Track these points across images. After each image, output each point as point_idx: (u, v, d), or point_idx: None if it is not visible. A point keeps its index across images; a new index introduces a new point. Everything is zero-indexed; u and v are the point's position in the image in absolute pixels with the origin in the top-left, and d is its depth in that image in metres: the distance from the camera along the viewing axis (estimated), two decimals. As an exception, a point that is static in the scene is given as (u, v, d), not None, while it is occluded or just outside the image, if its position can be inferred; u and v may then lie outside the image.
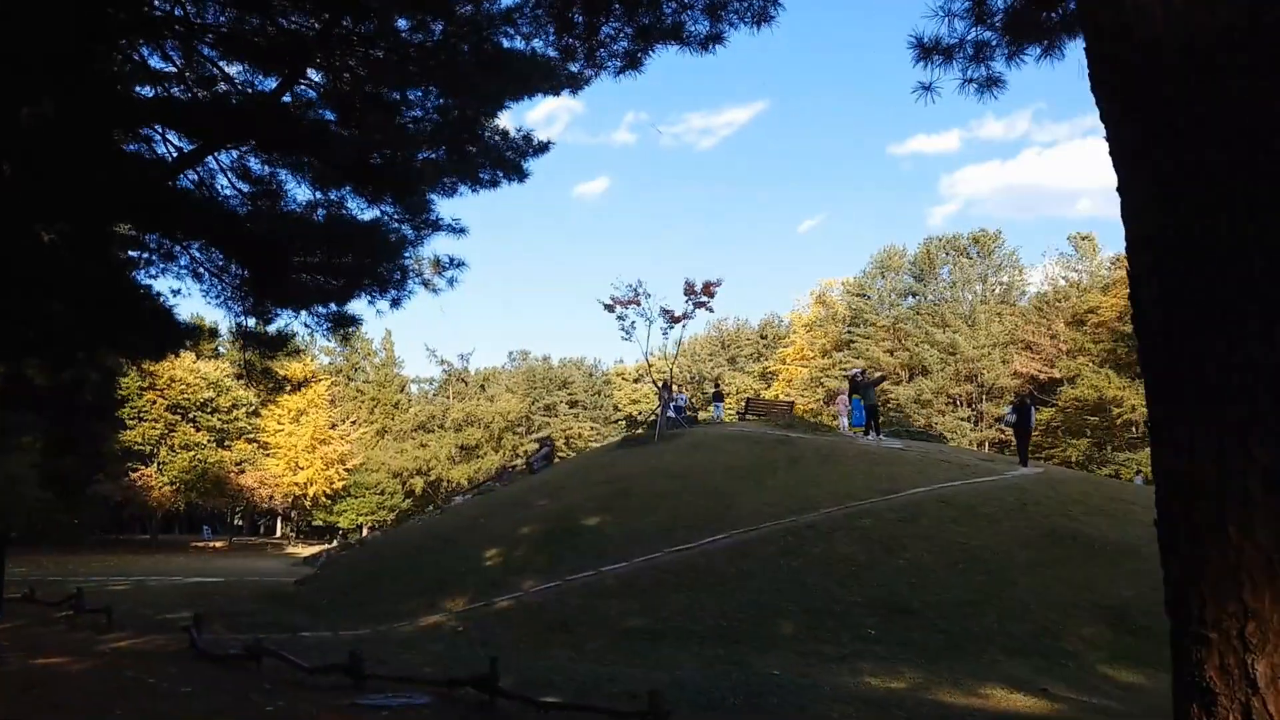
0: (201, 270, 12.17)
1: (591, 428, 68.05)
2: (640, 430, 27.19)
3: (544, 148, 11.72)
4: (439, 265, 12.54)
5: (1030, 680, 9.88)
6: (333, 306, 12.30)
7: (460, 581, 15.36)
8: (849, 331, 59.16)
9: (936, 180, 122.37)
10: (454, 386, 66.75)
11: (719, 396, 28.34)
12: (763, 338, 78.69)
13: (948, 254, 58.02)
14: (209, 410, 57.64)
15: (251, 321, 12.19)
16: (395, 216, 11.80)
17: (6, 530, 30.32)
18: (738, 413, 26.71)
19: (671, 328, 24.73)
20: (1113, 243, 63.84)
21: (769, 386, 66.43)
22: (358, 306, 12.82)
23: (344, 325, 12.93)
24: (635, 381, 75.62)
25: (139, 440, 53.84)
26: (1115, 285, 46.77)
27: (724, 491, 17.38)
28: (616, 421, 72.11)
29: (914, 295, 60.04)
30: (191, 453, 54.39)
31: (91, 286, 11.17)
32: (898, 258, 60.27)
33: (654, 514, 16.70)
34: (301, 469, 56.28)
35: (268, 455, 57.58)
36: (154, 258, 12.43)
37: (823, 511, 15.55)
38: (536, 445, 29.93)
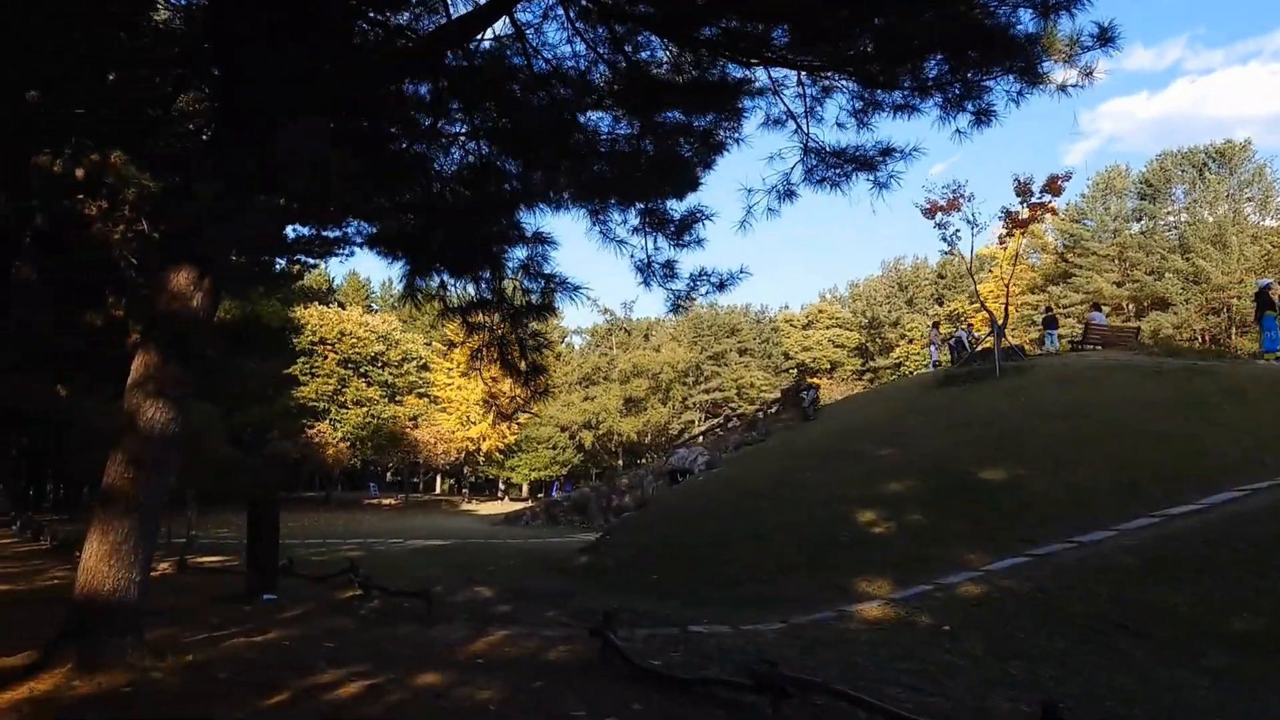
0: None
1: (763, 377, 63.70)
2: (943, 365, 22.63)
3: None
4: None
5: None
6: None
7: (849, 554, 11.54)
8: (1064, 262, 52.32)
9: (1075, 116, 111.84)
10: (617, 337, 63.56)
11: (1052, 323, 23.53)
12: (941, 277, 72.09)
13: (1183, 170, 50.18)
14: (379, 364, 56.56)
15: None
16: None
17: (191, 488, 29.28)
18: (1072, 341, 22.05)
19: (1011, 234, 19.97)
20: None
21: (958, 329, 60.31)
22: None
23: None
24: (805, 328, 70.80)
25: (313, 396, 53.16)
26: None
27: (1165, 434, 12.86)
28: (788, 370, 67.50)
29: (1143, 218, 52.40)
30: (364, 408, 53.36)
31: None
32: (1121, 178, 52.71)
33: (1079, 466, 12.42)
34: (474, 423, 54.44)
35: (440, 410, 56.07)
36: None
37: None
38: (799, 389, 25.83)
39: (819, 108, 6.83)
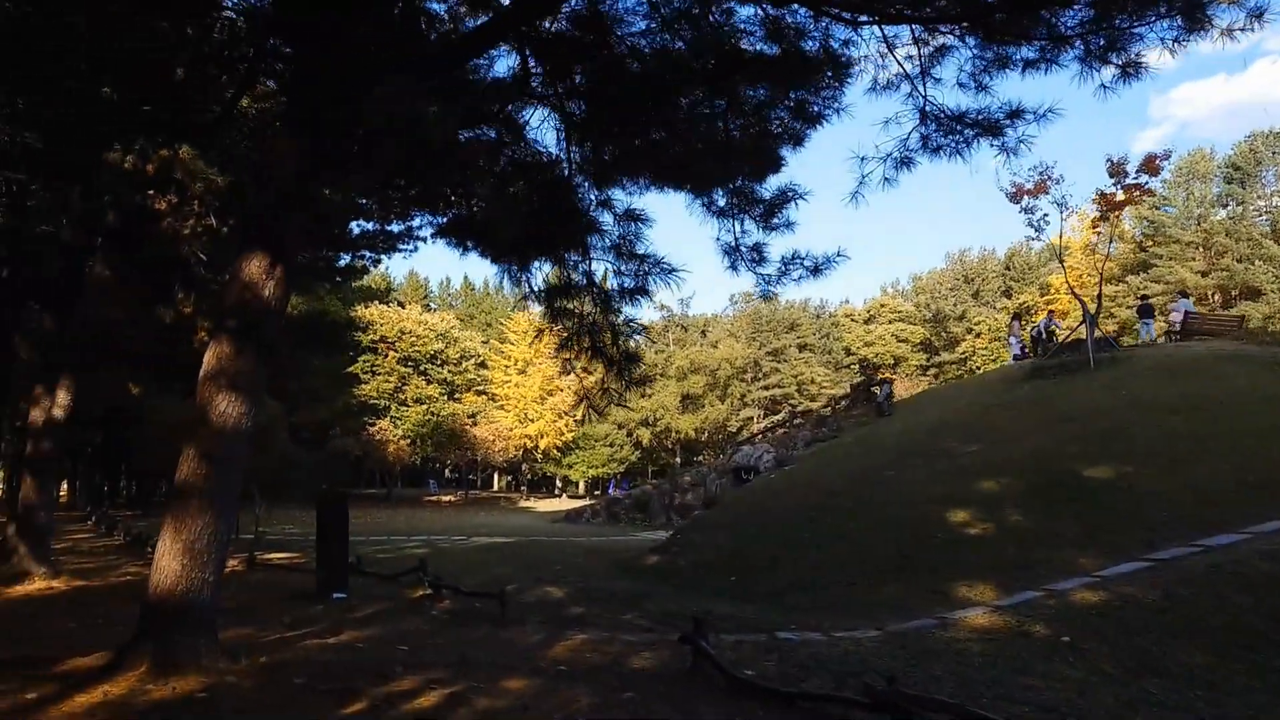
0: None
1: (823, 373, 62.47)
2: (1028, 358, 21.50)
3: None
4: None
5: None
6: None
7: (944, 556, 10.84)
8: (1143, 251, 50.12)
9: (1146, 102, 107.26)
10: (674, 333, 62.98)
11: (1147, 311, 22.22)
12: (1008, 269, 69.90)
13: (1275, 152, 47.61)
14: (438, 362, 56.93)
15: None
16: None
17: (256, 483, 29.49)
18: (1168, 332, 20.83)
19: (1105, 217, 18.90)
20: None
21: (1027, 323, 58.26)
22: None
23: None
24: (866, 322, 69.27)
25: (374, 394, 53.72)
26: None
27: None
28: (848, 366, 66.15)
29: (1229, 204, 49.80)
30: (424, 406, 53.73)
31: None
32: (1205, 162, 50.24)
33: (1198, 464, 11.52)
34: (532, 420, 54.42)
35: (498, 407, 56.21)
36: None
37: None
38: (870, 384, 25.06)
39: (936, 67, 6.20)
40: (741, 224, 8.13)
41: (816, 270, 7.92)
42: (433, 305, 71.10)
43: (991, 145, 6.08)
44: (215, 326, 7.35)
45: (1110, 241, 27.31)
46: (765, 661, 7.77)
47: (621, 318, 7.86)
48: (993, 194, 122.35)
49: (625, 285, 7.72)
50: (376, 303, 56.40)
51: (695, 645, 7.21)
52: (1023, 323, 25.23)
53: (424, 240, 17.71)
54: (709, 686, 6.79)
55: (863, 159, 6.62)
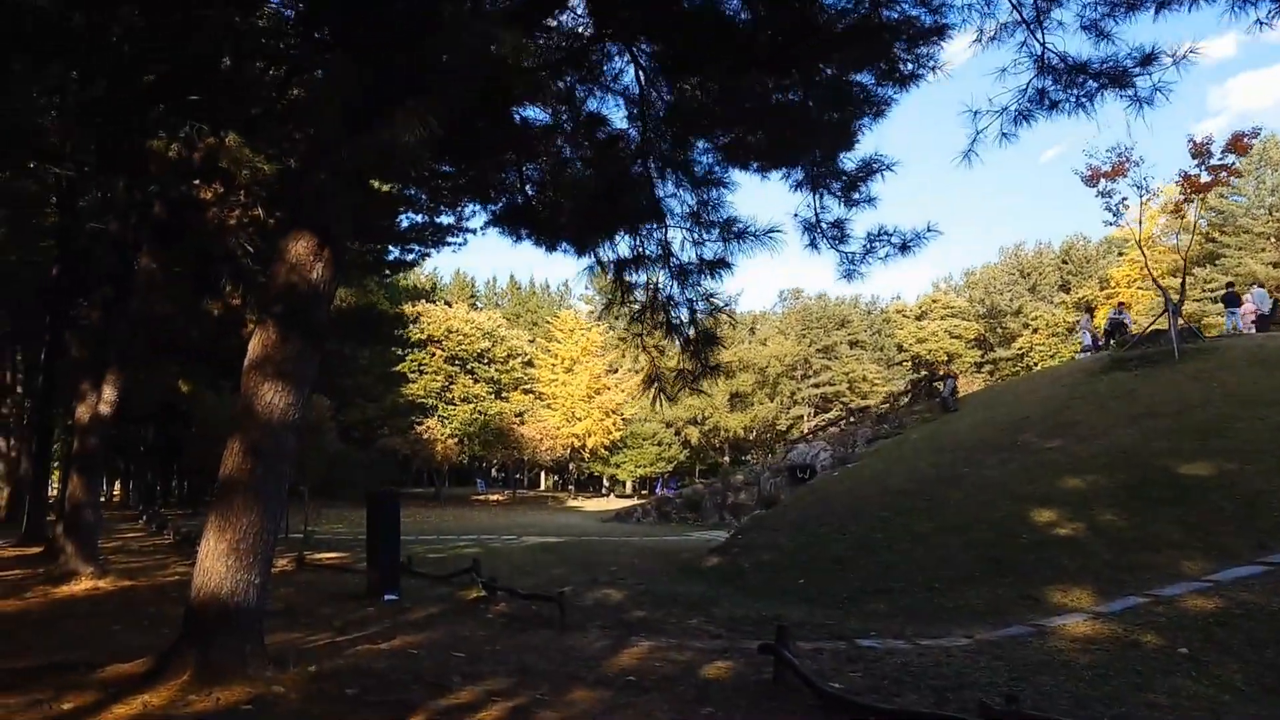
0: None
1: (875, 370, 61.11)
2: (1101, 350, 20.41)
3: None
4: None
5: None
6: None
7: (1031, 559, 10.09)
8: (1210, 242, 48.08)
9: (1203, 93, 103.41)
10: (721, 330, 62.07)
11: (1233, 300, 20.89)
12: (1065, 262, 67.79)
13: (1352, 135, 45.32)
14: (485, 361, 56.88)
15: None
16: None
17: (306, 483, 29.44)
18: (1254, 322, 19.63)
19: (1189, 199, 17.88)
20: None
21: (1087, 316, 56.23)
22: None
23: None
24: (918, 318, 67.68)
25: (421, 393, 53.79)
26: None
27: None
28: (901, 363, 64.69)
29: (1304, 192, 47.51)
30: (471, 405, 53.66)
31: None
32: (1276, 148, 48.02)
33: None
34: (579, 419, 54.06)
35: (545, 406, 55.97)
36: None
37: None
38: (932, 379, 24.20)
39: (1056, 8, 5.48)
40: (821, 199, 7.48)
41: (905, 247, 7.25)
42: (479, 305, 71.21)
43: (1119, 97, 5.36)
44: (260, 312, 6.92)
45: (1188, 230, 25.94)
46: (850, 672, 7.16)
47: (699, 292, 7.20)
48: (1048, 186, 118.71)
49: (704, 256, 7.08)
50: (423, 301, 56.51)
51: (778, 655, 6.61)
52: (1094, 315, 24.07)
53: (473, 233, 17.37)
54: (795, 701, 6.18)
55: (975, 113, 5.92)
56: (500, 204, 10.66)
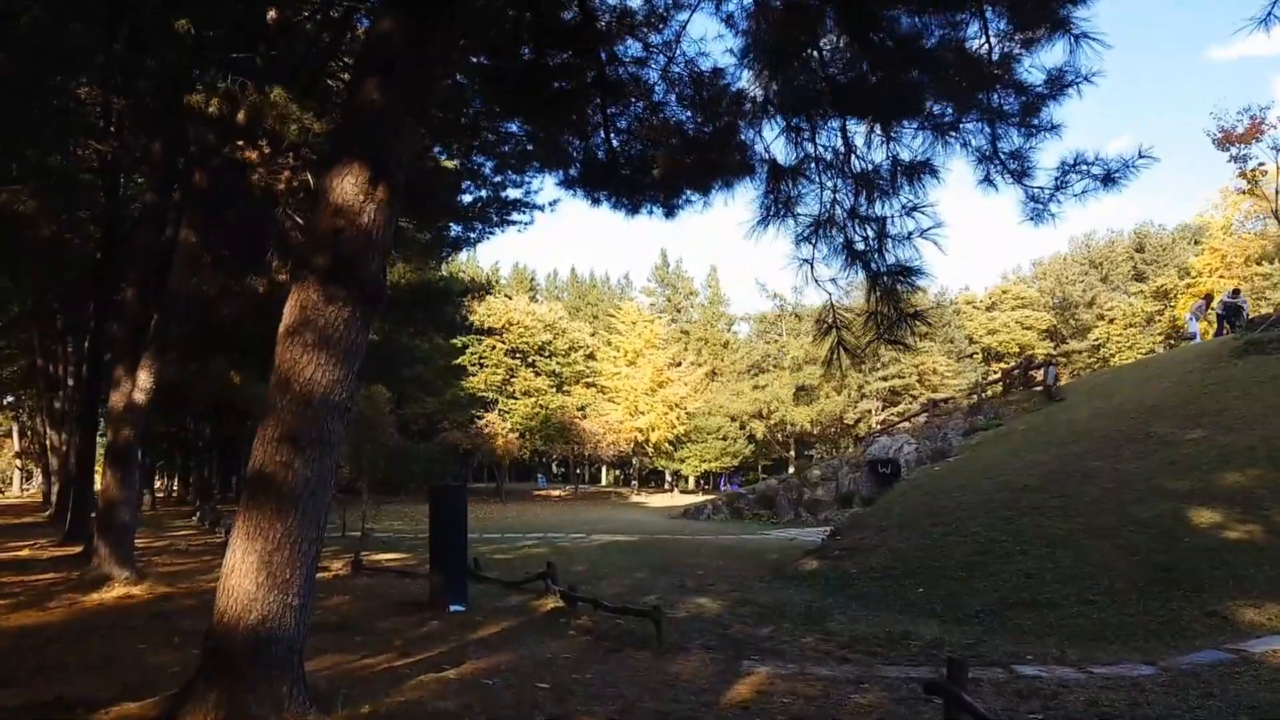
0: None
1: (945, 362, 58.41)
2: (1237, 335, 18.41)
3: None
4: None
5: None
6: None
7: (1203, 567, 8.47)
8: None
9: (1268, 87, 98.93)
10: (787, 323, 60.04)
11: None
12: (1139, 250, 64.11)
13: None
14: (546, 354, 55.87)
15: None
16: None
17: (364, 479, 28.54)
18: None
19: None
20: None
21: (1167, 308, 52.92)
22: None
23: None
24: (988, 309, 64.72)
25: (481, 386, 52.96)
26: None
27: None
28: (971, 355, 61.82)
29: None
30: (533, 398, 52.66)
31: None
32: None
33: None
34: (642, 413, 52.67)
35: (607, 400, 54.73)
36: None
37: None
38: (1029, 367, 22.28)
39: None
40: (992, 126, 5.88)
41: (1109, 179, 5.62)
42: (539, 298, 70.30)
43: None
44: (297, 266, 5.57)
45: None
46: (1027, 712, 5.61)
47: (895, 207, 5.50)
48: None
49: (899, 158, 5.47)
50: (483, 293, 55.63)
51: (953, 699, 5.03)
52: (1211, 302, 22.07)
53: (540, 209, 16.05)
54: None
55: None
56: (578, 164, 9.33)
